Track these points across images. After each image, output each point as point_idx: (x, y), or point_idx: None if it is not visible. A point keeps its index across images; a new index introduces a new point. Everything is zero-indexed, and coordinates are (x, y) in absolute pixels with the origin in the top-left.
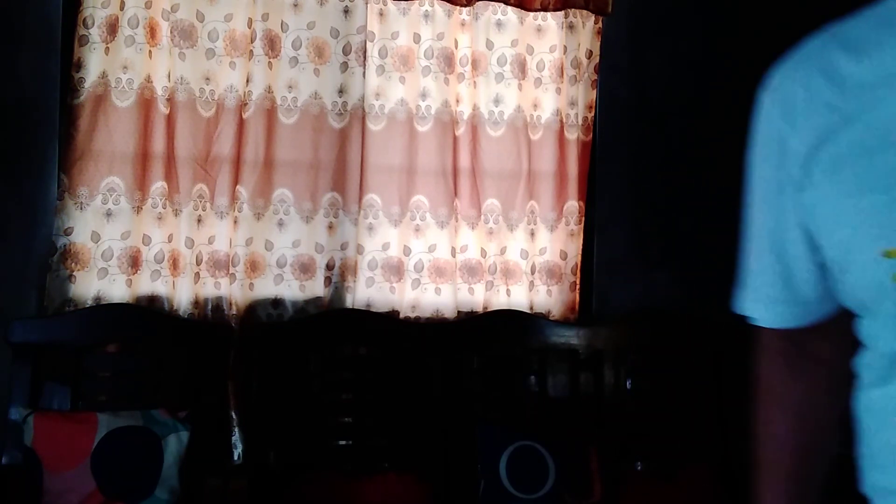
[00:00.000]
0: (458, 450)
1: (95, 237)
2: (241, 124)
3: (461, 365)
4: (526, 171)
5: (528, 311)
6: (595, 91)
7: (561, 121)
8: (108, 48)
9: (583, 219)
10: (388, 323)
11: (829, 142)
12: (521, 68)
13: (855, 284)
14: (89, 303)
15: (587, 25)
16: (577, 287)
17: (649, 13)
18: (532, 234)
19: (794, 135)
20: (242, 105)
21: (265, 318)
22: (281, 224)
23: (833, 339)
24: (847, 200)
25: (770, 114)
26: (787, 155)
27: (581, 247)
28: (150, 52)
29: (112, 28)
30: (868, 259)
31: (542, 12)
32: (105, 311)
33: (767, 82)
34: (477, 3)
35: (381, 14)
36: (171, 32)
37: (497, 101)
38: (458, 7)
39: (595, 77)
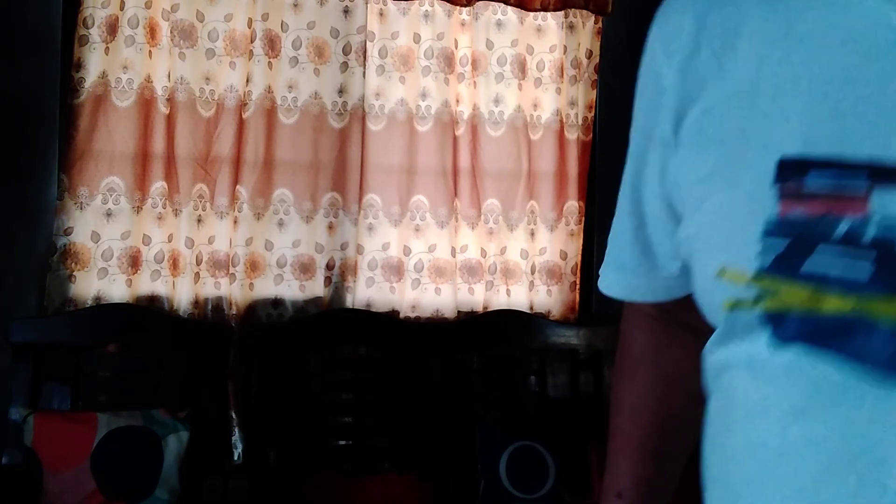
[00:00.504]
0: (458, 450)
1: (95, 237)
2: (241, 124)
3: (461, 365)
4: (526, 171)
5: (529, 311)
6: (595, 91)
7: (561, 121)
8: (108, 48)
9: (583, 219)
10: (388, 323)
11: (702, 101)
12: (521, 68)
13: (695, 293)
14: (89, 303)
15: (587, 25)
16: (577, 287)
17: (649, 13)
18: (532, 234)
19: (671, 76)
20: (242, 105)
21: (265, 318)
22: (281, 224)
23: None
24: (696, 187)
25: (652, 47)
26: (662, 104)
27: (581, 247)
28: (150, 52)
29: (112, 28)
30: (705, 274)
31: (542, 12)
32: (105, 311)
33: (661, 6)
34: (477, 3)
35: (381, 14)
36: (171, 32)
37: (497, 101)
38: (458, 7)
39: (595, 77)
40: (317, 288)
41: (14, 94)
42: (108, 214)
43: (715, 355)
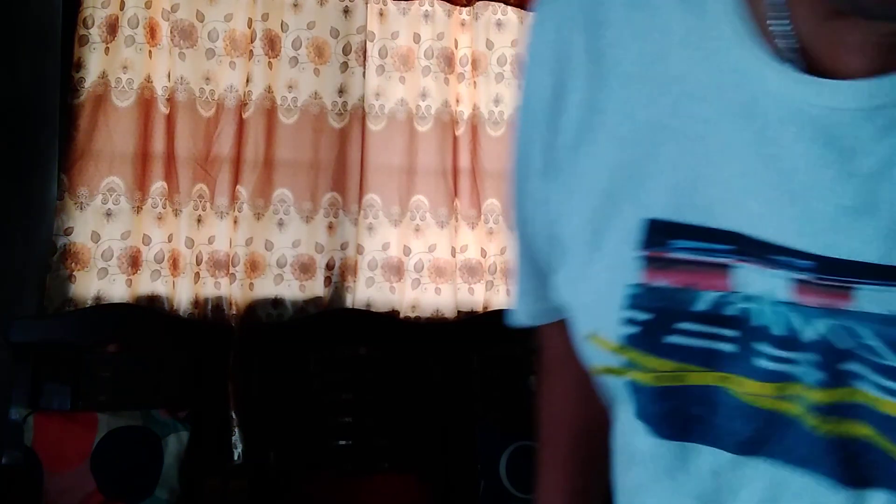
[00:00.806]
0: (458, 450)
1: (95, 237)
2: (241, 124)
3: (461, 365)
4: None
5: None
6: None
7: None
8: (108, 48)
9: None
10: (388, 323)
11: (569, 134)
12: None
13: (576, 345)
14: (89, 303)
15: None
16: None
17: None
18: None
19: (542, 104)
20: (242, 105)
21: (265, 318)
22: (281, 224)
23: None
24: (565, 233)
25: (529, 69)
26: (534, 134)
27: None
28: (150, 52)
29: (112, 28)
30: (576, 332)
31: None
32: (105, 311)
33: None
34: (477, 3)
35: (381, 14)
36: (171, 32)
37: (497, 101)
38: (458, 7)
39: None
40: (317, 288)
41: (14, 94)
42: (108, 214)
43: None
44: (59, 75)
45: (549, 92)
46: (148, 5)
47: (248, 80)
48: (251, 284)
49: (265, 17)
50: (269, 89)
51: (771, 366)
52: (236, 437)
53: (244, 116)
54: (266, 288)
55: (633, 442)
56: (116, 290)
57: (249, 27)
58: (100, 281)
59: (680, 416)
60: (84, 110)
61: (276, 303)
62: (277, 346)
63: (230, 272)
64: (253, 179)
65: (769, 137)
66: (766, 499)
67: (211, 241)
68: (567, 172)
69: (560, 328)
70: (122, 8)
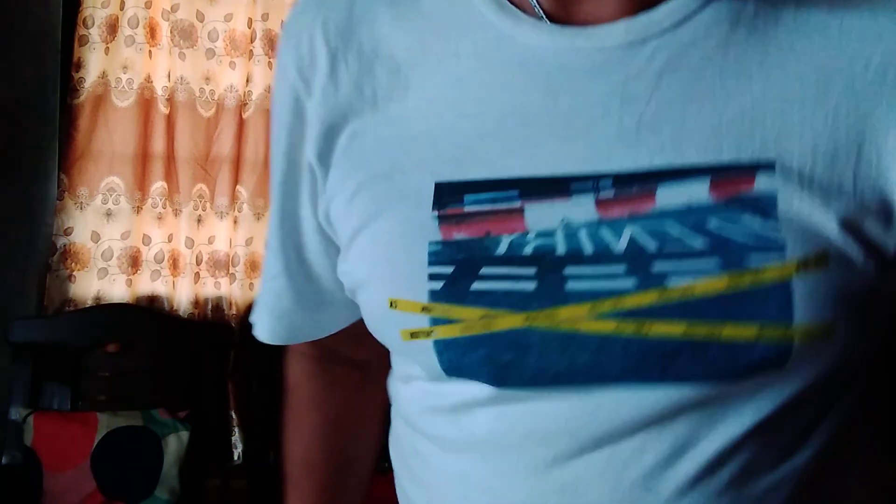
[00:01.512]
0: None
1: (95, 237)
2: (241, 124)
3: None
4: None
5: None
6: None
7: None
8: (108, 48)
9: None
10: None
11: (350, 126)
12: None
13: (369, 325)
14: (89, 303)
15: None
16: None
17: None
18: None
19: (310, 102)
20: (242, 105)
21: None
22: None
23: (369, 339)
24: (350, 218)
25: (284, 67)
26: (305, 132)
27: None
28: (150, 52)
29: (112, 28)
30: (374, 306)
31: None
32: (105, 311)
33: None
34: None
35: None
36: (171, 32)
37: None
38: None
39: None
40: None
41: (14, 94)
42: (108, 214)
43: (409, 387)
44: (59, 75)
45: (317, 90)
46: (148, 5)
47: (248, 80)
48: (251, 284)
49: (265, 17)
50: (269, 89)
51: (584, 285)
52: (236, 437)
53: (244, 116)
54: None
55: (441, 400)
56: (116, 290)
57: (249, 27)
58: (100, 281)
59: (493, 364)
60: (84, 110)
61: None
62: (277, 346)
63: (230, 272)
64: (253, 179)
65: (545, 88)
66: (581, 425)
67: (211, 241)
68: (344, 161)
69: (311, 364)
70: (122, 8)
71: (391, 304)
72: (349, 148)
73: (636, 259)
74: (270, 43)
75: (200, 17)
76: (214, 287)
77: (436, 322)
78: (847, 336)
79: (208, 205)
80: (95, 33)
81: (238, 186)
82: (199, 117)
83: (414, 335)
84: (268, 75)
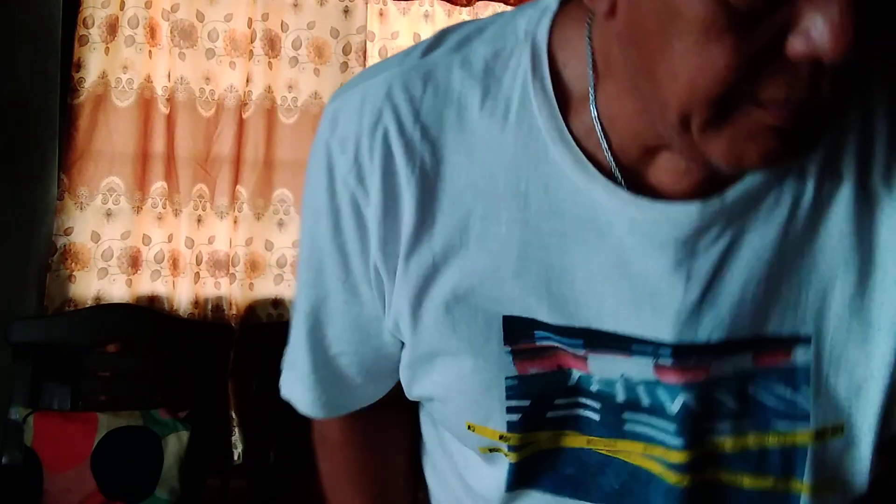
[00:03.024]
0: None
1: (95, 237)
2: (241, 124)
3: None
4: None
5: None
6: None
7: None
8: (108, 48)
9: None
10: None
11: (411, 249)
12: None
13: (443, 421)
14: (89, 303)
15: None
16: None
17: None
18: None
19: (368, 208)
20: (242, 105)
21: (265, 318)
22: (281, 224)
23: (404, 403)
24: (421, 334)
25: (338, 160)
26: (366, 231)
27: None
28: (150, 52)
29: (112, 28)
30: (454, 423)
31: None
32: (105, 311)
33: (337, 113)
34: (477, 3)
35: (381, 14)
36: (171, 32)
37: None
38: (458, 7)
39: None
40: None
41: (14, 94)
42: (108, 214)
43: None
44: (59, 75)
45: (376, 210)
46: (148, 5)
47: (248, 80)
48: (251, 284)
49: (265, 17)
50: (269, 89)
51: (639, 429)
52: (236, 437)
53: (244, 116)
54: (266, 288)
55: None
56: (116, 290)
57: (249, 27)
58: (100, 281)
59: (557, 476)
60: (84, 110)
61: (276, 303)
62: (277, 346)
63: (230, 272)
64: (253, 179)
65: (616, 249)
66: None
67: (211, 241)
68: (406, 274)
69: (351, 435)
70: (122, 8)
71: (469, 427)
72: (418, 279)
73: (685, 421)
74: (270, 43)
75: (200, 17)
76: (214, 287)
77: (511, 449)
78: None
79: (208, 205)
80: (95, 33)
81: (238, 186)
82: (199, 117)
83: (492, 450)
84: (268, 75)
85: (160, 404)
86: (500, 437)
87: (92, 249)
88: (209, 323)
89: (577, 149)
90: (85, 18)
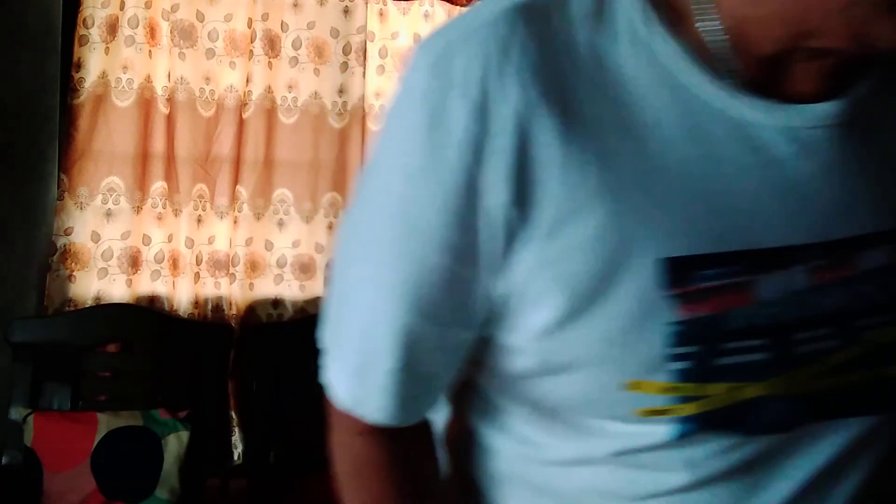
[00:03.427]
0: None
1: (95, 237)
2: (241, 124)
3: None
4: None
5: None
6: None
7: None
8: (108, 48)
9: None
10: None
11: (546, 199)
12: None
13: (570, 403)
14: (89, 303)
15: None
16: None
17: None
18: None
19: (494, 178)
20: (242, 105)
21: (265, 318)
22: (281, 224)
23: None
24: (555, 293)
25: (458, 136)
26: (484, 211)
27: None
28: (150, 52)
29: (112, 28)
30: (595, 389)
31: None
32: (105, 311)
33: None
34: (477, 3)
35: (381, 14)
36: (171, 32)
37: None
38: (457, 7)
39: None
40: (317, 288)
41: (14, 94)
42: (108, 214)
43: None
44: (59, 75)
45: (503, 165)
46: (148, 5)
47: (248, 80)
48: (251, 284)
49: (265, 17)
50: (269, 89)
51: (810, 348)
52: (236, 437)
53: (244, 116)
54: (266, 288)
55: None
56: (116, 290)
57: (249, 27)
58: (100, 281)
59: (735, 426)
60: (84, 110)
61: (276, 303)
62: (277, 346)
63: (230, 272)
64: (253, 179)
65: (763, 163)
66: (833, 452)
67: (211, 241)
68: (544, 245)
69: (386, 438)
70: (122, 8)
71: (630, 386)
72: (553, 234)
73: (842, 320)
74: (270, 43)
75: (200, 17)
76: (214, 287)
77: (683, 401)
78: None
79: (208, 205)
80: (95, 33)
81: (238, 186)
82: (199, 117)
83: (650, 413)
84: (268, 75)
85: (160, 404)
86: (669, 390)
87: (92, 249)
88: (209, 323)
89: (708, 68)
90: (85, 18)
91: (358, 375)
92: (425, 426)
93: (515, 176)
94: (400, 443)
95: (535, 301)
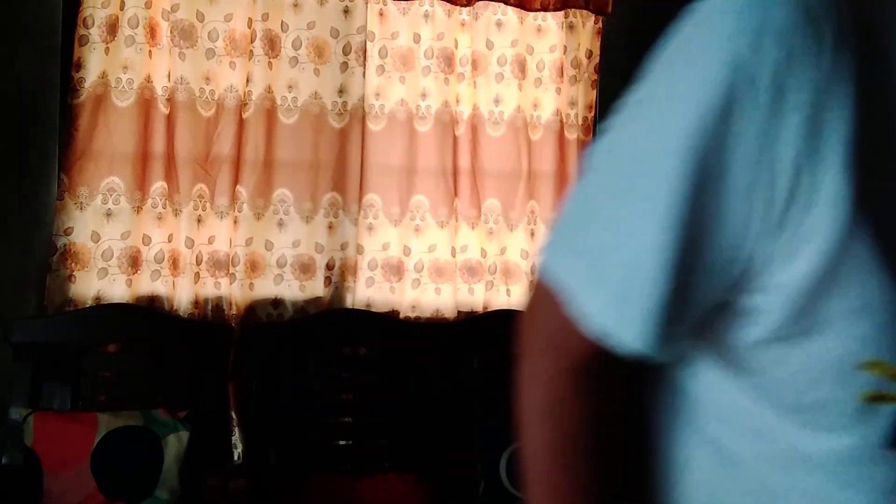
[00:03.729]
0: (458, 450)
1: (95, 237)
2: (241, 124)
3: (461, 365)
4: (526, 171)
5: None
6: (595, 91)
7: (561, 121)
8: (108, 48)
9: None
10: (388, 323)
11: (829, 160)
12: (521, 68)
13: (794, 376)
14: (89, 303)
15: (587, 25)
16: None
17: (649, 13)
18: (532, 233)
19: (790, 137)
20: (242, 105)
21: (265, 318)
22: (281, 224)
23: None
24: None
25: (763, 51)
26: (779, 171)
27: None
28: (150, 52)
29: (112, 28)
30: (826, 363)
31: (542, 12)
32: (105, 311)
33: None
34: (477, 3)
35: (381, 14)
36: (171, 32)
37: (497, 101)
38: (458, 7)
39: (595, 77)
40: (317, 288)
41: (14, 94)
42: (108, 214)
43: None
44: (59, 75)
45: (801, 120)
46: (148, 5)
47: (248, 80)
48: (251, 284)
49: (265, 17)
50: (269, 89)
51: None
52: (236, 437)
53: (244, 116)
54: (266, 288)
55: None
56: (116, 290)
57: (249, 27)
58: (100, 281)
59: None
60: (84, 110)
61: (276, 303)
62: (277, 346)
63: (230, 272)
64: (253, 179)
65: None
66: None
67: (211, 241)
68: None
69: (585, 378)
70: (122, 8)
71: (864, 365)
72: (836, 196)
73: None
74: (270, 43)
75: (200, 17)
76: (214, 287)
77: None
78: None
79: (208, 205)
80: (95, 33)
81: (238, 186)
82: (199, 117)
83: (877, 398)
84: (268, 75)
85: (160, 404)
86: None
87: (92, 249)
88: (209, 323)
89: None
90: (85, 18)
91: (619, 304)
92: (623, 377)
93: (809, 130)
94: (601, 383)
95: (791, 254)
